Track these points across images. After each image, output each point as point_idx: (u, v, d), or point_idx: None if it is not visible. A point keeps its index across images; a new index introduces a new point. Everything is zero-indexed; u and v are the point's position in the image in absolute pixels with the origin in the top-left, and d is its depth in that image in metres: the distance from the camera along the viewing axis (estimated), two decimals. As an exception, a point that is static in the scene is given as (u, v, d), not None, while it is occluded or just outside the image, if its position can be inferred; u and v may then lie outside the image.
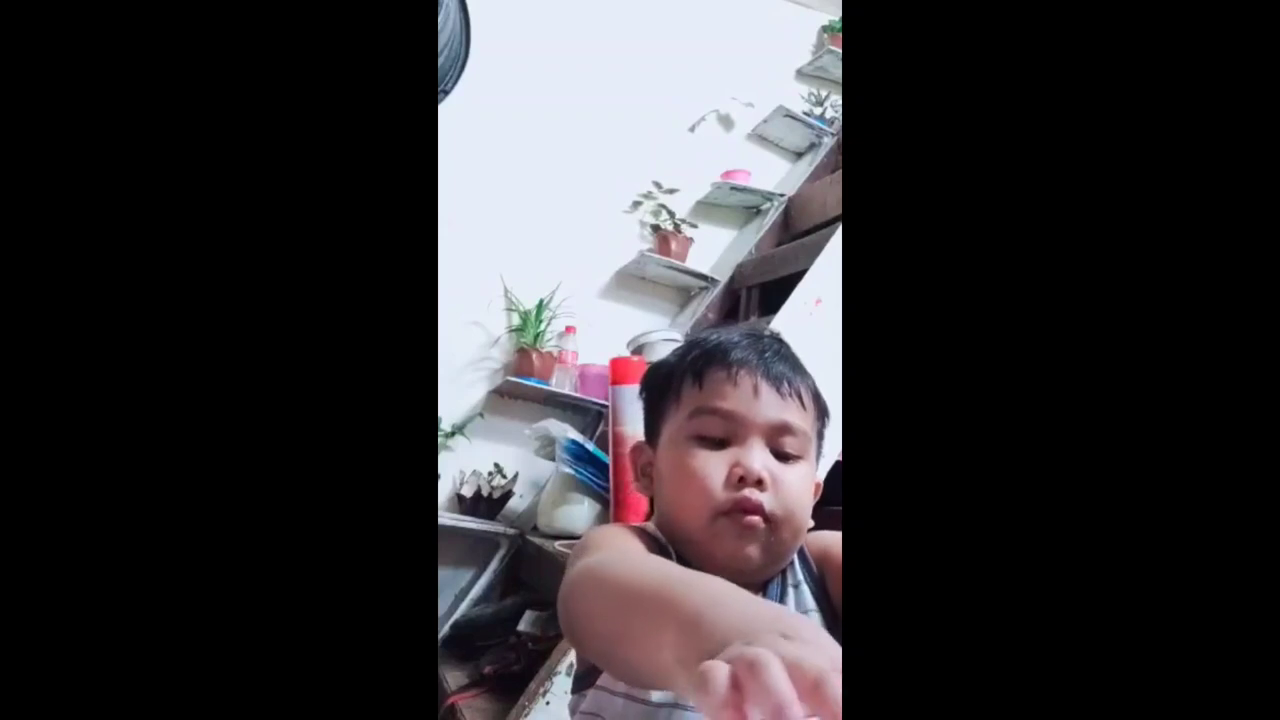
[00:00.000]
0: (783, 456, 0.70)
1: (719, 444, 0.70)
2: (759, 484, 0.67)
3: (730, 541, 0.68)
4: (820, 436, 0.75)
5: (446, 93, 2.35)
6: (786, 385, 0.71)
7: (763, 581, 0.72)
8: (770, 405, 0.70)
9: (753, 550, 0.68)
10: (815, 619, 0.71)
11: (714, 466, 0.69)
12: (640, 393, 0.80)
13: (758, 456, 0.68)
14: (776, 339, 0.77)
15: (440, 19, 2.24)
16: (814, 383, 0.75)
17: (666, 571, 0.56)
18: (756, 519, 0.67)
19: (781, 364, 0.72)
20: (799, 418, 0.71)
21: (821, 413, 0.75)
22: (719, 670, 0.34)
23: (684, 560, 0.70)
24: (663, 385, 0.76)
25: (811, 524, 0.74)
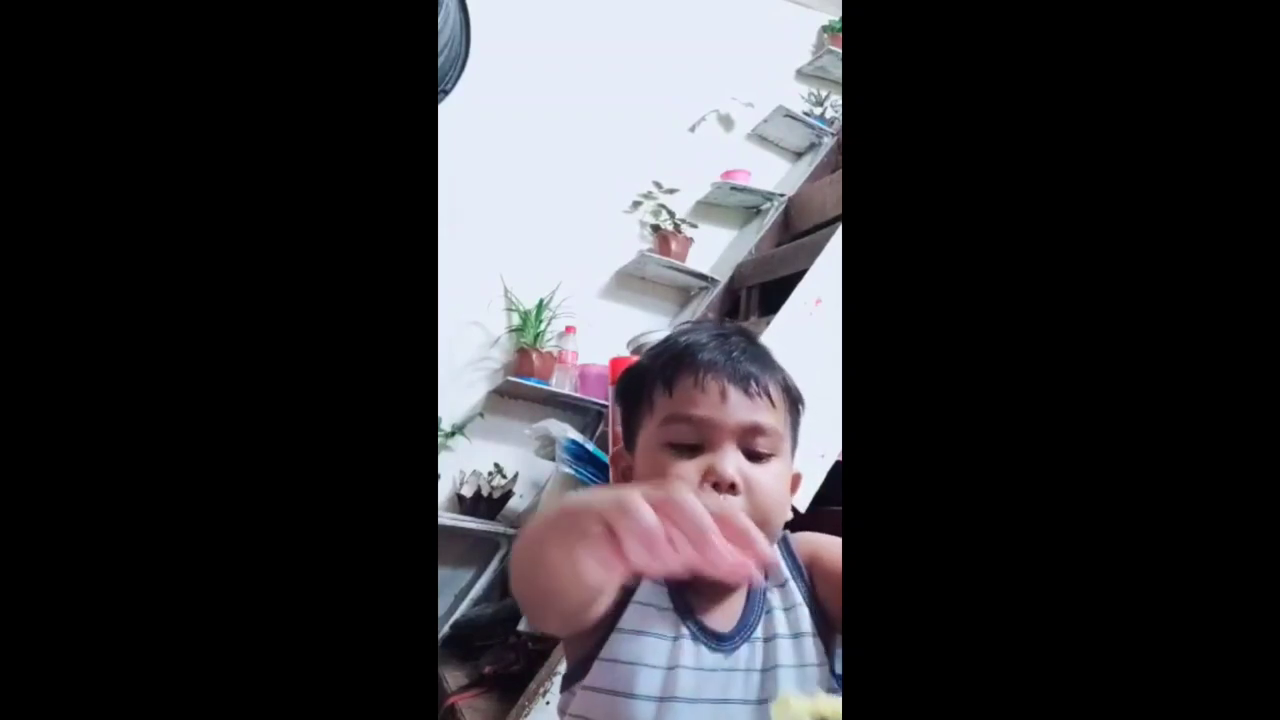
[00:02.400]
0: (755, 456, 0.70)
1: (692, 450, 0.70)
2: (732, 488, 0.68)
3: None
4: (794, 428, 0.75)
5: (446, 93, 2.35)
6: (754, 384, 0.71)
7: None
8: (739, 408, 0.70)
9: None
10: (804, 614, 0.72)
11: (688, 474, 0.69)
12: (615, 398, 0.80)
13: (730, 460, 0.69)
14: (744, 335, 0.77)
15: (440, 19, 2.24)
16: (783, 376, 0.75)
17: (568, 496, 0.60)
18: None
19: (749, 363, 0.72)
20: (769, 416, 0.71)
21: (793, 404, 0.75)
22: (639, 499, 0.36)
23: None
24: (635, 391, 0.76)
25: (790, 516, 0.75)
